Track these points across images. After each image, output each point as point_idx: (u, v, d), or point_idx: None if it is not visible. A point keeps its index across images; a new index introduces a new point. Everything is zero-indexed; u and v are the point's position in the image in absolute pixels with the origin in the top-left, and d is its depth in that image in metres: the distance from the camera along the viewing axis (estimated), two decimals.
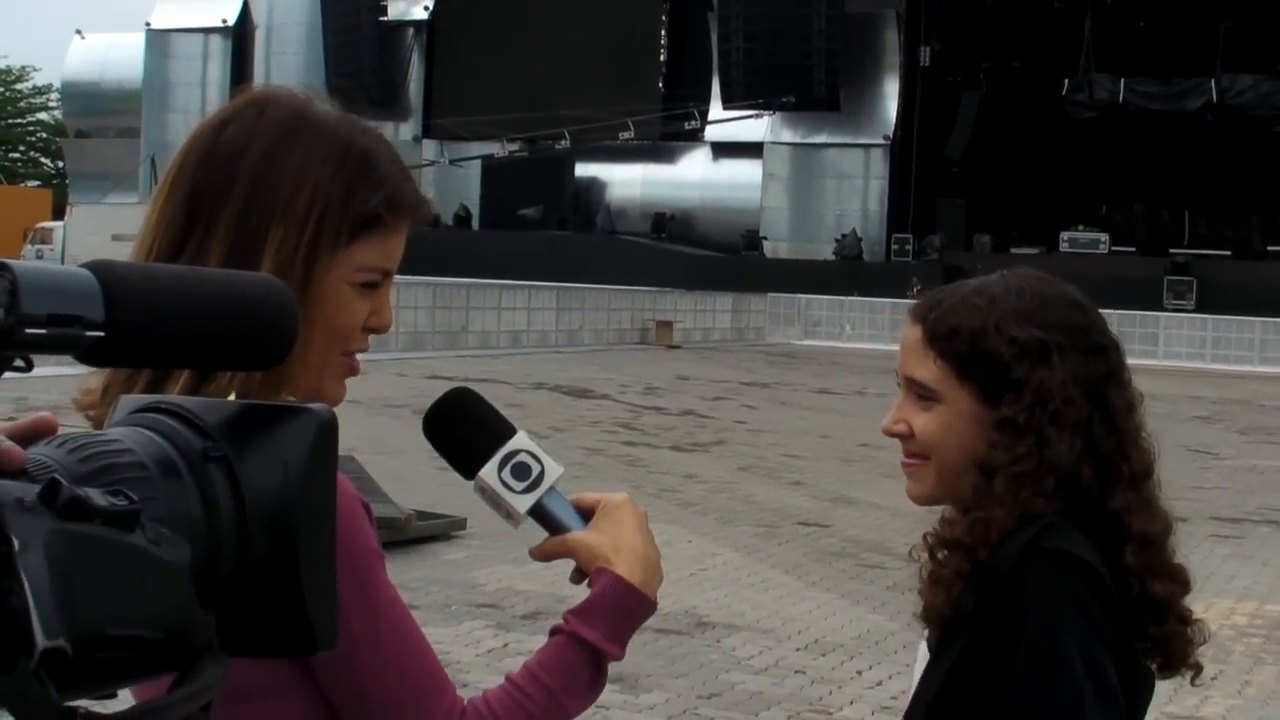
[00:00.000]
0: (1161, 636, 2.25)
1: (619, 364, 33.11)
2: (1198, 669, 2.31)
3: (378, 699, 1.81)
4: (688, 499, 14.90)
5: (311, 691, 1.81)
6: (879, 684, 8.55)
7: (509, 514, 1.93)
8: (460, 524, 12.51)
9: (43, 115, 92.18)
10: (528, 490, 1.92)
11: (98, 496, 0.89)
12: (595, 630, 1.93)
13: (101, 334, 0.93)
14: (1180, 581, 2.29)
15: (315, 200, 1.82)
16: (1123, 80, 50.38)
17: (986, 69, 54.53)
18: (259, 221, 1.80)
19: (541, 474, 1.93)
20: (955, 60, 54.34)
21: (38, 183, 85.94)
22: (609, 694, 8.07)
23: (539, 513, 1.94)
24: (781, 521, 13.89)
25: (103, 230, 52.00)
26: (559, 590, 10.64)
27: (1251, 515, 15.21)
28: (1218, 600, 10.73)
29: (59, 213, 64.00)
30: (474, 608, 10.05)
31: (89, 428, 1.80)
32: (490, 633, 9.42)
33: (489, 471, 1.91)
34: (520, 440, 1.93)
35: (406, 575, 10.28)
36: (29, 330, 0.90)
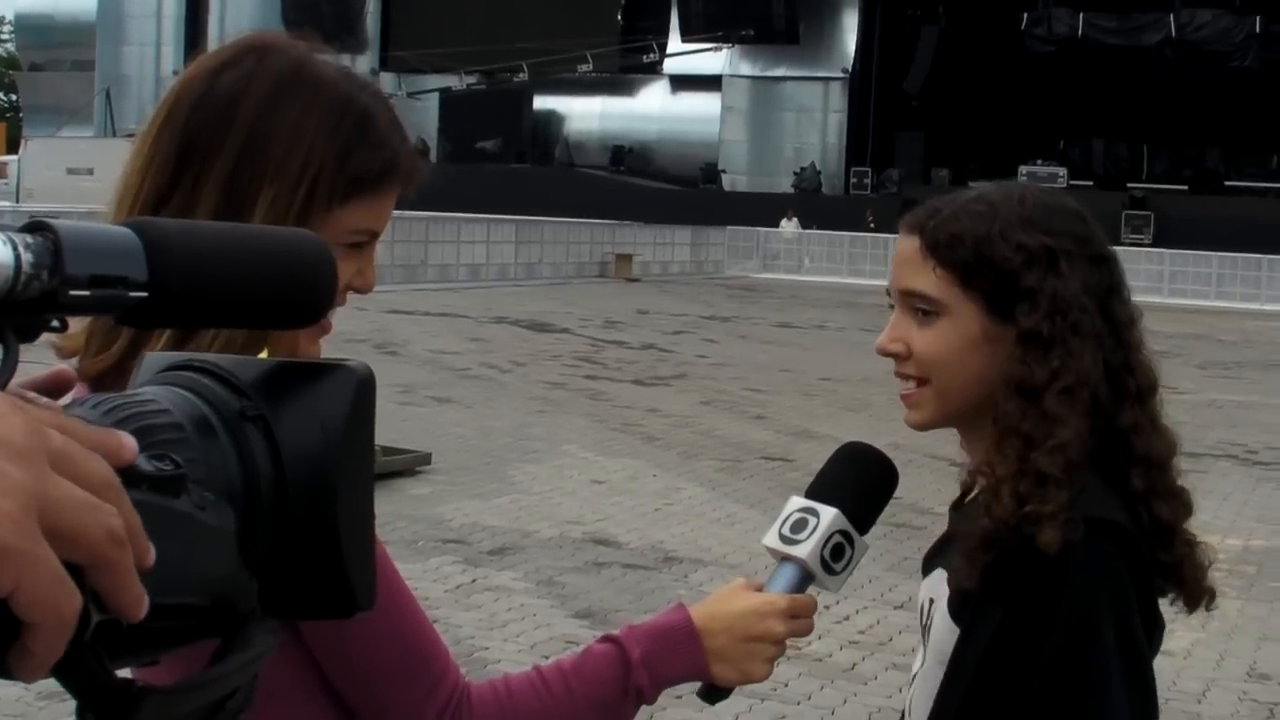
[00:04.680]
0: (1170, 562, 2.15)
1: (578, 297, 33.07)
2: (1212, 594, 2.21)
3: (367, 658, 1.78)
4: (651, 433, 14.91)
5: (303, 651, 1.78)
6: (846, 618, 8.57)
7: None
8: (425, 459, 12.49)
9: None
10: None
11: (144, 462, 0.87)
12: (639, 648, 1.92)
13: (145, 294, 0.90)
14: (1184, 504, 2.19)
15: (310, 161, 1.77)
16: (1081, 14, 50.45)
17: (946, 2, 54.43)
18: (251, 177, 1.76)
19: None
20: None
21: None
22: (578, 630, 8.09)
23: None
24: (745, 456, 13.91)
25: (57, 164, 51.53)
26: (525, 525, 10.65)
27: (1212, 450, 15.30)
28: None
29: (13, 146, 63.37)
30: (441, 544, 10.04)
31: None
32: (458, 568, 9.41)
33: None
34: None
35: None
36: (72, 292, 0.87)
